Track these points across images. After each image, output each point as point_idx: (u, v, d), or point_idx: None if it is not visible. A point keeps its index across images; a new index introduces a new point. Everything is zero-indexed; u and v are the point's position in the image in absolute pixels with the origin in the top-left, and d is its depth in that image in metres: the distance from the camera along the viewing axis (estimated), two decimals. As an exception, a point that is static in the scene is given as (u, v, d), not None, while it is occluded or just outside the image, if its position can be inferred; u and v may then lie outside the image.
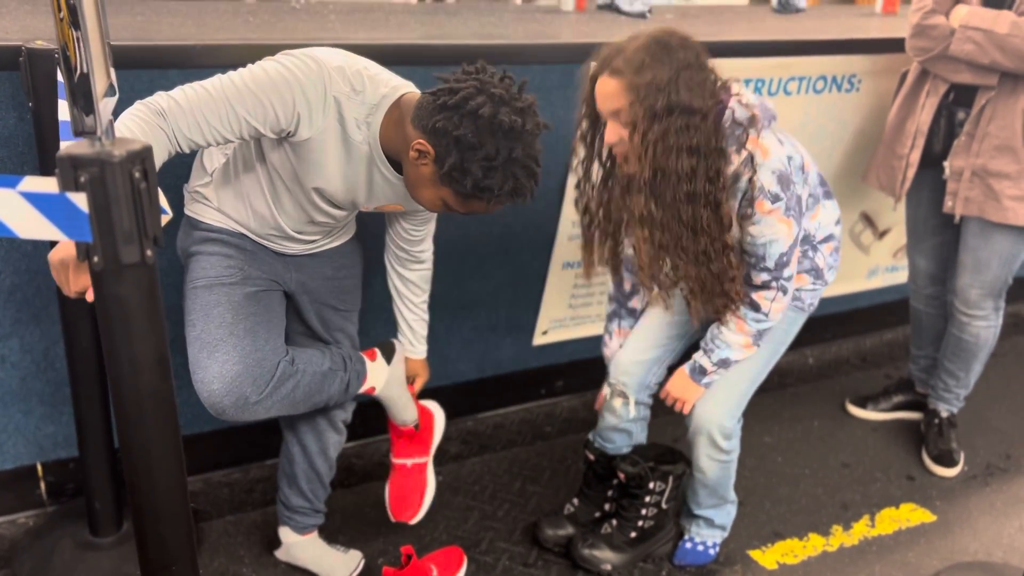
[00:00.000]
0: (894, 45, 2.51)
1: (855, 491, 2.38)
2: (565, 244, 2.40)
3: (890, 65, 2.51)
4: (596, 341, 2.56)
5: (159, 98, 1.39)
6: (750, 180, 1.64)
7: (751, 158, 1.64)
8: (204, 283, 1.60)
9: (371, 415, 2.26)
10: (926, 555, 2.15)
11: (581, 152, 1.78)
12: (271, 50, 1.79)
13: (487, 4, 4.26)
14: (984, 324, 2.39)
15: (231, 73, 1.43)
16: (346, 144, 1.50)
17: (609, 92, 1.59)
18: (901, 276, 3.10)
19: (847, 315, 3.14)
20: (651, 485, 2.00)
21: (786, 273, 1.74)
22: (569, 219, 2.33)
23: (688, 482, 2.07)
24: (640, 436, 2.10)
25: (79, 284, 1.23)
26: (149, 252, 0.93)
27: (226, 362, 1.54)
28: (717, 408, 1.91)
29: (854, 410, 2.77)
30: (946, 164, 2.25)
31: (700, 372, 1.89)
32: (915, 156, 2.32)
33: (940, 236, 2.43)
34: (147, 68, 1.69)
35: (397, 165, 1.54)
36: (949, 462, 2.49)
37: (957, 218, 2.29)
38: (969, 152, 2.20)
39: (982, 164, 2.19)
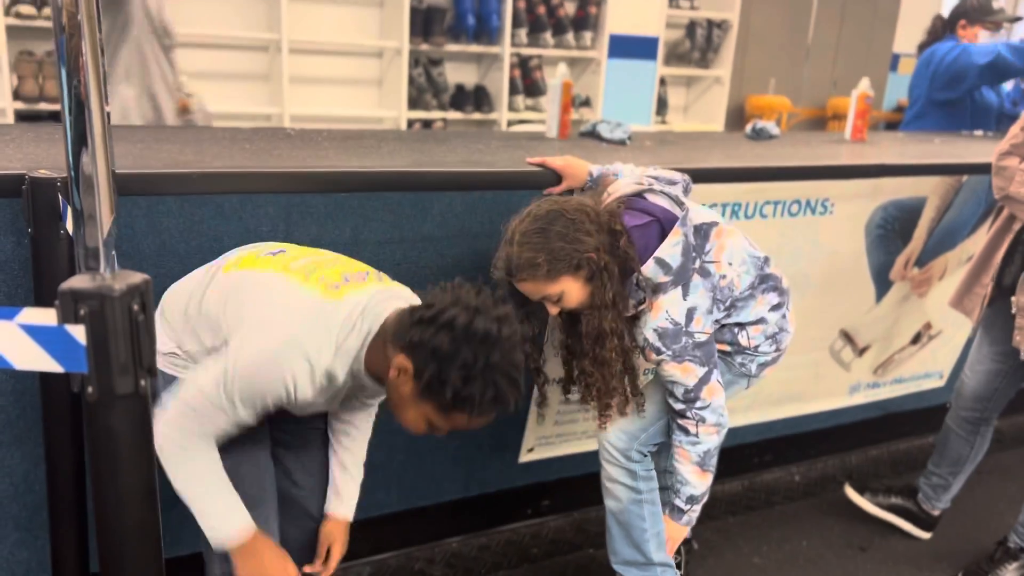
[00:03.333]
0: (863, 171, 2.64)
1: (848, 615, 2.33)
2: (551, 360, 2.42)
3: (860, 190, 2.62)
4: (583, 458, 2.56)
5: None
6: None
7: (643, 316, 1.82)
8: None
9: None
10: None
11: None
12: (269, 178, 1.87)
13: (475, 131, 4.45)
14: None
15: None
16: (331, 387, 1.53)
17: (529, 291, 1.80)
18: (883, 392, 3.13)
19: (830, 431, 3.15)
20: None
21: (698, 405, 1.86)
22: (556, 335, 2.36)
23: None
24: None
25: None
26: (143, 382, 0.94)
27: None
28: (615, 425, 2.00)
29: (851, 494, 2.78)
30: (1013, 299, 2.30)
31: (677, 512, 1.95)
32: (992, 286, 2.41)
33: (999, 365, 2.46)
34: (145, 195, 1.75)
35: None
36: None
37: (1023, 354, 2.30)
38: None
39: None
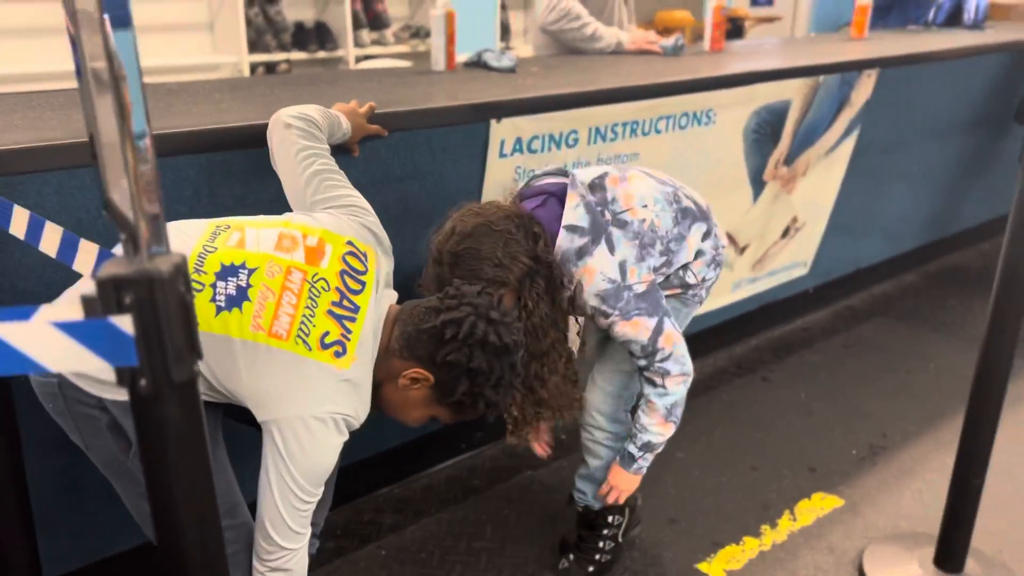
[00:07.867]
0: (739, 80, 2.78)
1: (770, 490, 2.56)
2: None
3: (737, 98, 2.77)
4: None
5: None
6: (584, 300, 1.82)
7: (580, 285, 1.81)
8: None
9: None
10: (846, 537, 2.35)
11: None
12: (187, 138, 1.72)
13: (354, 71, 4.24)
14: None
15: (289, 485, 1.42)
16: None
17: None
18: (760, 285, 3.38)
19: (719, 327, 3.38)
20: (610, 519, 2.06)
21: (659, 357, 1.85)
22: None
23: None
24: None
25: None
26: (196, 367, 0.88)
27: None
28: (599, 389, 2.05)
29: None
30: None
31: (629, 459, 1.97)
32: None
33: None
34: (53, 171, 1.57)
35: None
36: None
37: None
38: None
39: None
